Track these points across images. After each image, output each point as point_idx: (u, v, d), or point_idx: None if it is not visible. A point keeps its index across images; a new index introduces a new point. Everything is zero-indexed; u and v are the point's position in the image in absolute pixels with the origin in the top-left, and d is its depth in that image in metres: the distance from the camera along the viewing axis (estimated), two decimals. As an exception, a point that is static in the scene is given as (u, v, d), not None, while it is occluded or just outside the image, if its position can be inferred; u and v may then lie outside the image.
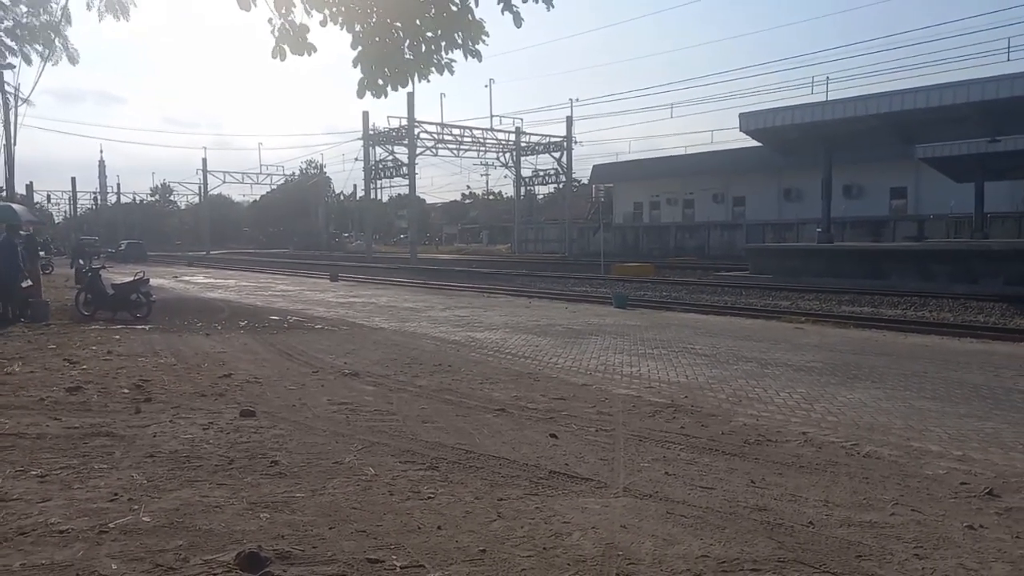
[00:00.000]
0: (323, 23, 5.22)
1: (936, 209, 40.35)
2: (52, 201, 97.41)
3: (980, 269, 22.02)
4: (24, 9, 20.92)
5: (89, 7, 13.90)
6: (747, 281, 25.13)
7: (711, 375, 8.31)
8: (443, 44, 5.27)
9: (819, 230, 29.39)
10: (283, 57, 5.17)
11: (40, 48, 21.11)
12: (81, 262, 17.87)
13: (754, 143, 32.25)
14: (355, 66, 5.23)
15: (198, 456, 5.11)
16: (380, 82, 5.29)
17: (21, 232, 14.93)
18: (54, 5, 19.91)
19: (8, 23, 21.84)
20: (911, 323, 14.24)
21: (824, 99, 32.96)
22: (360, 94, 5.35)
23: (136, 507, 4.10)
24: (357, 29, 5.18)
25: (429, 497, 4.35)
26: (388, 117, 52.87)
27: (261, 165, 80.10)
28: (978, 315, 16.17)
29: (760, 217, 48.76)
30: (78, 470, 4.77)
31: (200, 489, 4.43)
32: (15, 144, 28.40)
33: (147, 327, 12.72)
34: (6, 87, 26.36)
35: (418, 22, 5.17)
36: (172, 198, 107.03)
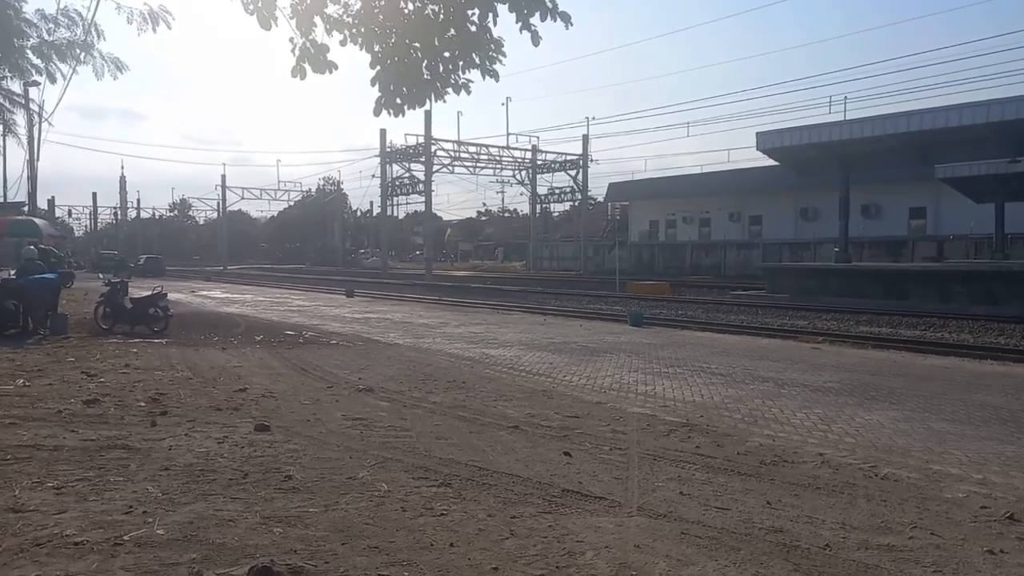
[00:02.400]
0: (343, 43, 5.28)
1: (956, 229, 39.96)
2: (73, 216, 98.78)
3: (1000, 290, 21.75)
4: (52, 26, 21.32)
5: (129, 20, 14.17)
6: (763, 300, 24.99)
7: (727, 395, 8.25)
8: (461, 64, 5.32)
9: (836, 250, 29.22)
10: (303, 76, 5.23)
11: (67, 65, 21.51)
12: (101, 275, 18.09)
13: (771, 162, 32.20)
14: (373, 85, 5.28)
15: (213, 470, 5.13)
16: (398, 101, 5.34)
17: (41, 247, 15.17)
18: (81, 23, 20.31)
19: (34, 40, 22.27)
20: (930, 344, 14.08)
21: (842, 119, 32.90)
22: (377, 112, 5.41)
23: (150, 520, 4.12)
24: (376, 49, 5.23)
25: (442, 514, 4.34)
26: (405, 135, 53.62)
27: (279, 181, 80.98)
28: (998, 337, 15.96)
29: (776, 236, 48.52)
30: (94, 482, 4.80)
31: (214, 503, 4.45)
32: (38, 160, 28.93)
33: (164, 341, 12.83)
34: (31, 104, 26.90)
35: (436, 42, 5.23)
36: (191, 213, 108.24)
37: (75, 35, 20.82)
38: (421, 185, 53.48)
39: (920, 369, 10.27)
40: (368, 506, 4.45)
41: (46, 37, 21.83)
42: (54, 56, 21.94)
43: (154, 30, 14.32)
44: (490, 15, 5.09)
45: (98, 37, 20.50)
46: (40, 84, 24.61)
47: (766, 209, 51.19)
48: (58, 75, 22.74)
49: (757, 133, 28.11)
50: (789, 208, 49.04)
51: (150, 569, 3.49)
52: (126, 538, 3.84)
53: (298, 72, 5.22)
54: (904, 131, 24.32)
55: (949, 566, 3.71)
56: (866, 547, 3.93)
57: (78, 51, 20.28)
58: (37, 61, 22.96)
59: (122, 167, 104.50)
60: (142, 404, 7.34)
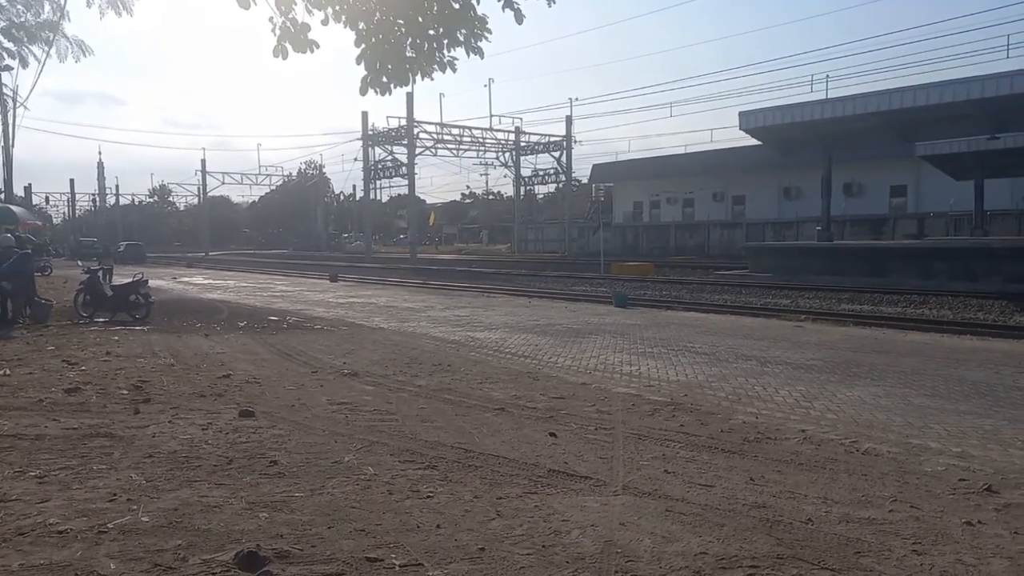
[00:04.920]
0: (325, 22, 5.22)
1: (936, 207, 40.33)
2: (50, 203, 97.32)
3: (980, 267, 22.02)
4: (20, 8, 20.87)
5: (89, 4, 13.97)
6: (747, 280, 25.14)
7: (711, 373, 8.31)
8: (445, 42, 5.28)
9: (819, 228, 29.39)
10: (285, 56, 5.16)
11: (40, 48, 21.10)
12: (80, 263, 17.84)
13: (754, 142, 32.24)
14: (358, 63, 5.23)
15: (197, 456, 5.11)
16: (384, 79, 5.30)
17: (19, 234, 14.94)
18: (47, 5, 19.91)
19: (3, 23, 21.80)
20: (911, 321, 14.25)
21: (823, 97, 32.96)
22: (363, 91, 5.36)
23: (135, 507, 4.10)
24: (360, 27, 5.18)
25: (428, 496, 4.35)
26: (387, 117, 52.95)
27: (260, 166, 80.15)
28: (978, 312, 16.18)
29: (760, 216, 48.73)
30: (77, 471, 4.77)
31: (199, 489, 4.43)
32: (13, 146, 28.44)
33: (146, 328, 12.71)
34: (4, 89, 26.38)
35: (420, 20, 5.18)
36: (171, 199, 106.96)
37: (43, 17, 20.44)
38: (404, 168, 53.15)
39: (901, 345, 10.39)
40: (354, 490, 4.45)
41: (15, 20, 21.41)
42: (25, 39, 21.53)
43: (118, 14, 14.13)
44: (472, -8, 5.05)
45: (63, 18, 20.11)
46: (12, 69, 24.15)
47: (749, 189, 51.35)
48: (31, 59, 22.34)
49: (740, 113, 28.07)
50: (772, 187, 49.20)
51: (135, 556, 3.47)
52: (110, 526, 3.82)
53: (280, 52, 5.15)
54: (886, 109, 24.40)
55: (928, 538, 3.78)
56: (847, 521, 3.99)
57: (49, 34, 19.92)
58: (9, 45, 22.53)
59: (100, 153, 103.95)
60: (124, 392, 7.28)
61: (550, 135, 58.96)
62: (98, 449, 5.26)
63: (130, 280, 14.52)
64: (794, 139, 29.14)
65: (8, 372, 8.30)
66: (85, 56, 20.71)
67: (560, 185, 63.02)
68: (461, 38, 5.25)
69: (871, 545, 3.67)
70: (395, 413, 6.47)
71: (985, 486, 4.52)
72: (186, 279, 28.41)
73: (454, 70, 5.45)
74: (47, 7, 20.19)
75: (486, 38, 5.30)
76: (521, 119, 58.59)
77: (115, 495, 4.30)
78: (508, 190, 76.57)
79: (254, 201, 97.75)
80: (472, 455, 5.18)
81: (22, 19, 20.99)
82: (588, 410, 6.62)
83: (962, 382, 7.68)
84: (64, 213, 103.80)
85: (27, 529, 3.79)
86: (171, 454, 5.15)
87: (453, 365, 8.97)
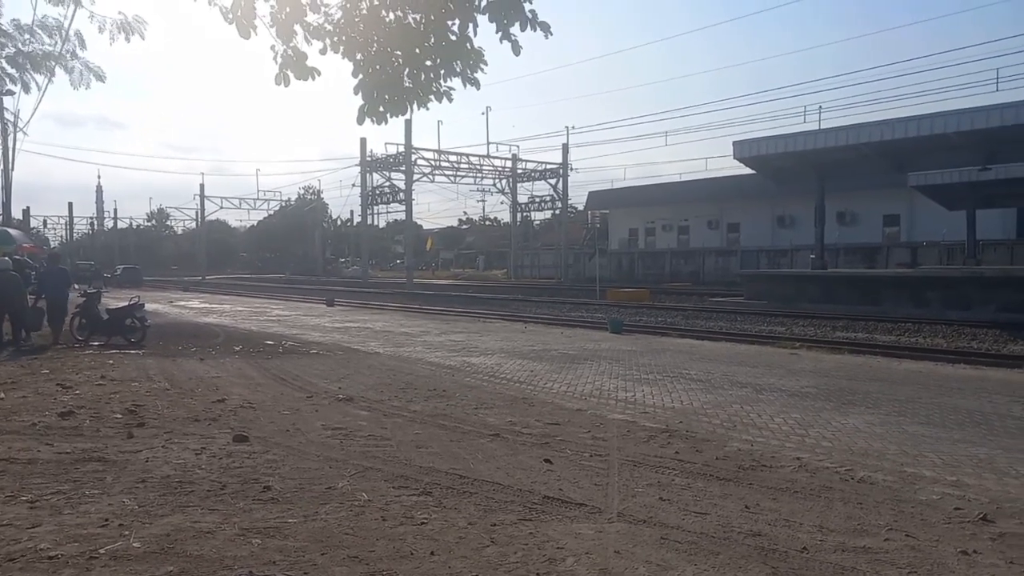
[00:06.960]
0: (323, 52, 5.29)
1: (929, 236, 40.60)
2: (48, 226, 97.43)
3: (973, 296, 22.11)
4: (27, 37, 21.08)
5: (101, 30, 14.24)
6: (742, 307, 25.18)
7: (706, 400, 8.31)
8: (442, 72, 5.35)
9: (812, 256, 29.54)
10: (287, 83, 5.23)
11: (42, 75, 21.26)
12: (76, 286, 17.77)
13: (748, 171, 32.51)
14: (356, 93, 5.29)
15: (190, 481, 5.08)
16: (381, 109, 5.35)
17: (16, 257, 14.96)
18: (55, 35, 20.09)
19: (10, 51, 21.99)
20: (905, 349, 14.27)
21: (817, 128, 33.31)
22: (360, 121, 5.41)
23: (127, 533, 4.07)
24: (358, 57, 5.25)
25: (422, 523, 4.33)
26: (385, 143, 53.25)
27: (258, 190, 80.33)
28: (971, 341, 16.21)
29: (754, 243, 49.00)
30: (69, 495, 4.74)
31: (192, 515, 4.40)
32: (13, 169, 28.53)
33: (141, 352, 12.68)
34: (5, 113, 26.53)
35: (418, 51, 5.25)
36: (169, 223, 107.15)
37: (55, 45, 20.62)
38: (401, 194, 53.33)
39: (895, 373, 10.41)
40: (348, 516, 4.43)
41: (22, 48, 21.60)
42: (28, 66, 21.72)
43: (127, 40, 14.36)
44: (470, 25, 5.13)
45: (80, 46, 20.26)
46: (15, 94, 24.31)
47: (744, 217, 51.71)
48: (32, 85, 22.51)
49: (734, 142, 28.34)
50: (766, 215, 49.56)
51: (127, 582, 3.45)
52: (102, 551, 3.80)
53: (282, 79, 5.22)
54: (878, 140, 24.66)
55: (924, 567, 3.77)
56: (843, 549, 3.98)
57: (52, 63, 20.09)
58: (12, 71, 22.70)
59: (99, 176, 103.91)
60: (118, 416, 7.25)
61: (547, 162, 59.34)
62: (91, 474, 5.23)
63: (126, 304, 14.50)
64: (788, 168, 29.39)
65: (2, 395, 8.26)
66: (103, 82, 20.95)
67: (556, 212, 63.27)
68: (458, 69, 5.32)
69: (866, 574, 3.66)
70: (390, 439, 6.45)
71: (980, 515, 4.52)
72: (182, 303, 28.36)
73: (450, 100, 5.52)
74: (56, 37, 20.40)
75: (482, 69, 5.38)
76: (518, 146, 58.91)
77: (107, 520, 4.27)
78: (505, 216, 76.82)
79: (252, 225, 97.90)
80: (467, 481, 5.17)
81: (28, 48, 21.19)
82: (583, 436, 6.61)
83: (956, 410, 7.70)
84: (62, 236, 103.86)
85: (17, 555, 3.76)
86: (164, 479, 5.13)
87: (448, 391, 8.95)
